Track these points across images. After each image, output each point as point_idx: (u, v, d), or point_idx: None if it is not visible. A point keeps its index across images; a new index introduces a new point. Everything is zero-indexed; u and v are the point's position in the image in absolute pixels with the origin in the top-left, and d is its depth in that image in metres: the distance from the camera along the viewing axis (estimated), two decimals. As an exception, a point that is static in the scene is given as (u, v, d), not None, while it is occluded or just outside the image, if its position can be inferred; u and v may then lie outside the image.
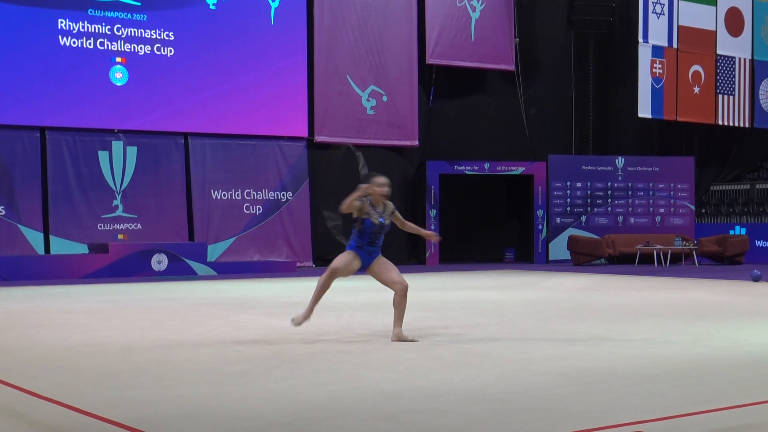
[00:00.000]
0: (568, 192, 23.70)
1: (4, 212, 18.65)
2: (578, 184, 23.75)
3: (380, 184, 8.30)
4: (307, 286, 15.07)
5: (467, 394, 5.43)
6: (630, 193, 23.99)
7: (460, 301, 12.03)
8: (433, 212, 22.88)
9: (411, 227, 8.61)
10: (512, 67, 24.23)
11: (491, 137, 24.57)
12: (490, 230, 24.83)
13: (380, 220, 8.16)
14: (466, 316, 10.10)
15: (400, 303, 8.11)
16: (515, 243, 24.64)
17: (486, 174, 23.44)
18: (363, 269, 8.16)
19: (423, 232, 8.75)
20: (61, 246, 19.00)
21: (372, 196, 8.22)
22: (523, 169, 23.49)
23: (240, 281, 16.76)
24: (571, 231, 23.35)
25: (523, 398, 5.34)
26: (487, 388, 5.64)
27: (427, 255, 22.87)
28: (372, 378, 5.99)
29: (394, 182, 23.15)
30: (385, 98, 22.84)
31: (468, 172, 23.30)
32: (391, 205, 8.38)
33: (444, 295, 13.06)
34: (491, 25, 24.04)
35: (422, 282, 16.27)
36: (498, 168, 23.38)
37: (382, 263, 8.19)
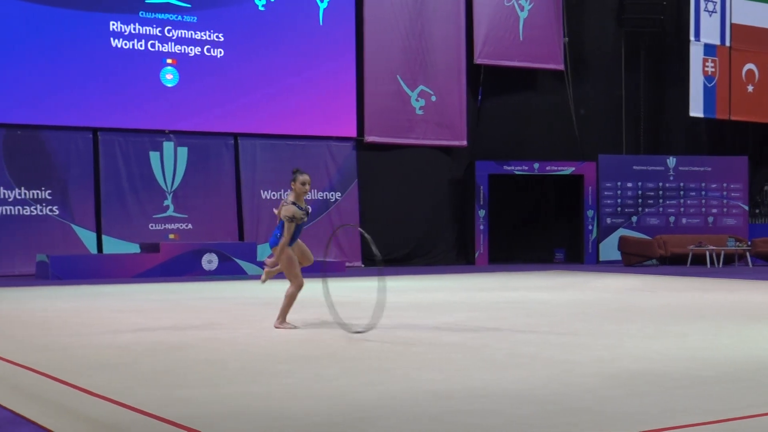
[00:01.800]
0: (619, 192, 23.50)
1: (58, 212, 18.93)
2: (629, 184, 23.54)
3: (304, 182, 9.14)
4: (357, 285, 15.11)
5: (516, 395, 5.40)
6: (682, 193, 23.73)
7: (510, 302, 11.97)
8: (481, 213, 22.81)
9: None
10: (561, 67, 24.08)
11: (540, 137, 24.43)
12: (539, 231, 24.68)
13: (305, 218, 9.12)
14: (516, 316, 10.05)
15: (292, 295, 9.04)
16: (565, 243, 24.47)
17: (535, 174, 23.32)
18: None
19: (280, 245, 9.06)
20: (113, 245, 19.25)
21: (296, 194, 9.08)
22: (573, 169, 23.32)
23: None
24: (622, 231, 23.15)
25: (573, 400, 5.30)
26: (537, 389, 5.61)
27: (476, 255, 22.80)
28: (422, 378, 5.98)
29: (443, 183, 23.34)
30: (433, 98, 22.82)
31: (517, 173, 23.19)
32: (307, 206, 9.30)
33: (493, 296, 13.01)
34: (540, 24, 23.90)
35: (471, 282, 16.22)
36: (547, 168, 23.25)
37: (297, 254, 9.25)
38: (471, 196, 23.07)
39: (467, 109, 23.36)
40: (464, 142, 23.26)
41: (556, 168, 23.29)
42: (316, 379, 5.94)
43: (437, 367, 6.47)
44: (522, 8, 23.77)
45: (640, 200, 23.58)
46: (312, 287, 14.13)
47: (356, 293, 13.43)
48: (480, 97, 23.91)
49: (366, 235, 8.36)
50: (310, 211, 9.30)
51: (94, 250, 19.08)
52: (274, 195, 21.16)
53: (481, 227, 22.84)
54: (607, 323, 9.37)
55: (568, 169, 23.33)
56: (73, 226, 19.00)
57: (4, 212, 18.51)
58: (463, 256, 23.48)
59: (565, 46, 24.14)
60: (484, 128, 23.94)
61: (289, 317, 9.09)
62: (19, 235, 18.54)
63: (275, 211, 9.28)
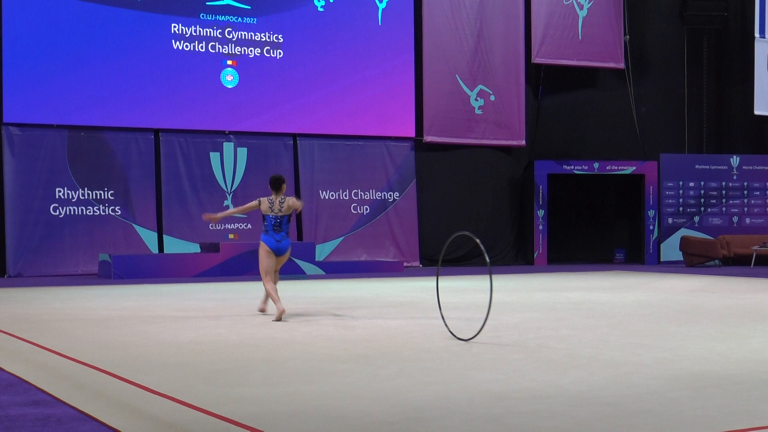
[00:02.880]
0: (681, 192, 23.19)
1: (120, 212, 19.21)
2: (691, 184, 23.22)
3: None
4: (415, 285, 15.12)
5: (576, 397, 5.36)
6: (745, 192, 23.35)
7: (569, 303, 11.88)
8: (541, 212, 22.67)
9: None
10: (621, 65, 23.84)
11: (600, 136, 24.21)
12: (599, 230, 24.46)
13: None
14: (575, 317, 9.97)
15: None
16: (625, 243, 24.21)
17: (595, 173, 23.11)
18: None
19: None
20: (174, 245, 19.49)
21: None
22: (634, 168, 23.07)
23: (347, 281, 16.89)
24: (684, 231, 22.85)
25: (634, 402, 5.25)
26: (597, 390, 5.56)
27: (535, 255, 22.67)
28: (479, 379, 5.96)
29: (502, 182, 23.25)
30: (492, 98, 22.74)
31: (577, 172, 23.00)
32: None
33: (552, 296, 12.92)
34: (599, 22, 23.69)
35: (530, 282, 16.13)
36: (608, 167, 23.02)
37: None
38: (530, 195, 22.94)
39: (526, 109, 23.25)
40: (523, 142, 23.15)
41: (616, 167, 23.06)
42: (373, 379, 5.95)
43: (494, 367, 6.44)
44: (581, 7, 23.58)
45: (702, 200, 23.25)
46: (367, 287, 14.17)
47: (413, 293, 13.43)
48: (539, 96, 23.77)
49: (477, 240, 8.52)
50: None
51: (155, 250, 19.33)
52: (332, 195, 21.25)
53: (540, 227, 22.69)
54: (668, 324, 9.25)
55: (628, 169, 23.08)
56: (135, 226, 19.27)
57: (68, 212, 18.84)
58: (522, 257, 23.36)
59: (625, 44, 23.90)
60: (544, 127, 23.80)
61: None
62: (82, 235, 18.86)
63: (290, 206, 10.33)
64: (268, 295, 10.37)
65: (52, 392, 5.48)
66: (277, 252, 10.18)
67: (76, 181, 18.91)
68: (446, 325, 8.40)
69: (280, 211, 10.23)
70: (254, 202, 10.37)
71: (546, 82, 23.76)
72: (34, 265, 18.41)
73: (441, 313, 8.69)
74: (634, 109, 24.03)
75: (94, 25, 19.15)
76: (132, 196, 19.37)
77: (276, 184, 10.31)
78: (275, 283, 10.34)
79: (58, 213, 18.78)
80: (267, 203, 10.25)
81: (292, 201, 10.32)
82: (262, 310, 10.63)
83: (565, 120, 24.04)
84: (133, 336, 8.38)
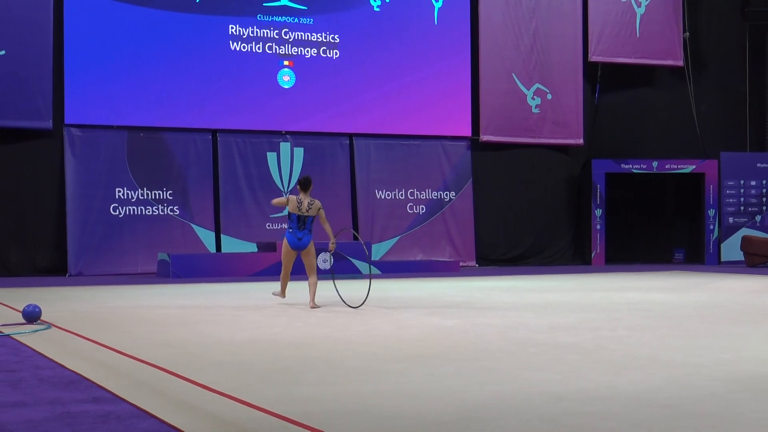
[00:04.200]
0: (742, 191, 22.84)
1: (178, 212, 19.43)
2: (752, 182, 22.86)
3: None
4: (471, 285, 15.08)
5: (634, 398, 5.31)
6: (809, 191, 22.93)
7: (627, 303, 11.76)
8: (598, 212, 22.47)
9: (327, 228, 11.44)
10: (681, 63, 23.55)
11: (659, 135, 23.93)
12: (658, 230, 24.18)
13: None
14: (633, 317, 9.87)
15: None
16: (685, 243, 23.91)
17: (654, 172, 22.85)
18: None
19: (331, 239, 11.41)
20: (231, 244, 19.66)
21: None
22: (694, 167, 22.77)
23: (403, 280, 16.90)
24: (745, 231, 22.49)
25: (693, 403, 5.18)
26: (655, 392, 5.50)
27: (593, 255, 22.48)
28: (535, 379, 5.93)
29: (558, 181, 23.08)
30: (549, 96, 22.61)
31: (635, 171, 22.77)
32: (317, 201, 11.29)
33: (610, 297, 12.80)
34: (658, 20, 23.43)
35: (587, 283, 16.00)
36: (667, 166, 22.75)
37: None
38: (588, 195, 22.75)
39: (584, 107, 23.07)
40: (581, 141, 22.97)
41: (675, 166, 22.78)
42: (429, 379, 5.95)
43: (551, 368, 6.40)
44: (639, 4, 23.35)
45: (764, 199, 22.87)
46: (423, 287, 14.19)
47: (469, 293, 13.39)
48: (597, 94, 23.57)
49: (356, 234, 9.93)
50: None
51: (213, 249, 19.52)
52: (388, 195, 21.27)
53: (598, 227, 22.50)
54: (729, 325, 9.12)
55: (688, 167, 22.78)
56: (193, 225, 19.47)
57: (127, 212, 19.09)
58: (579, 256, 23.18)
59: (685, 42, 23.60)
60: (601, 126, 23.59)
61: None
62: (141, 234, 19.11)
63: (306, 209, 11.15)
64: (312, 292, 11.20)
65: (112, 389, 5.56)
66: (297, 248, 11.18)
67: (135, 181, 19.15)
68: (339, 295, 10.03)
69: (307, 211, 11.10)
70: (283, 199, 11.43)
71: (604, 81, 23.55)
72: (95, 264, 18.69)
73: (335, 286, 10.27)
74: (693, 107, 23.71)
75: (153, 28, 19.40)
76: (190, 196, 19.57)
77: (305, 185, 11.19)
78: (312, 284, 11.23)
79: (117, 213, 19.04)
80: (296, 202, 11.09)
81: (318, 205, 11.20)
82: (313, 307, 11.10)
83: (623, 118, 23.80)
84: (191, 334, 8.47)
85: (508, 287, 14.46)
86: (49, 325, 9.02)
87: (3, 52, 18.21)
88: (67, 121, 18.82)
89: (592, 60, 23.03)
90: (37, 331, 8.63)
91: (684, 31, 23.60)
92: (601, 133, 23.52)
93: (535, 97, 22.51)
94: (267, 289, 14.56)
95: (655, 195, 24.31)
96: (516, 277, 17.56)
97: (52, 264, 18.81)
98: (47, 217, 18.89)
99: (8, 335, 8.34)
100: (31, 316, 9.24)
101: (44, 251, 18.84)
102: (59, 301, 12.15)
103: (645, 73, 23.90)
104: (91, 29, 18.95)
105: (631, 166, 22.69)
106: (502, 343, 7.72)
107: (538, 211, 22.80)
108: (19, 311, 9.81)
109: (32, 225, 18.76)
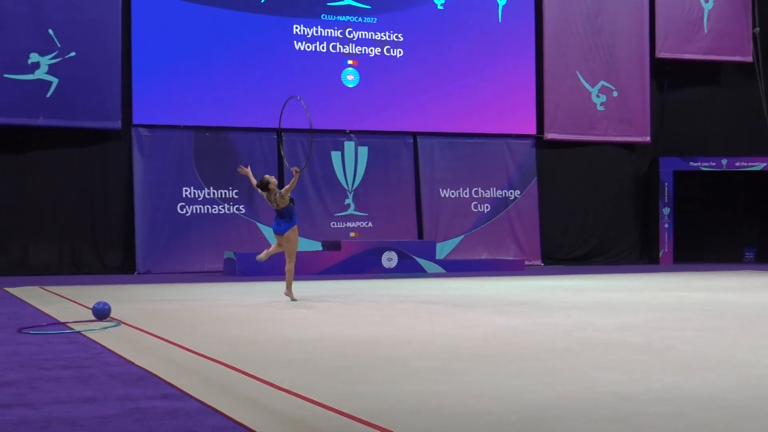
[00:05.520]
0: (815, 188, 22.38)
1: (243, 210, 19.62)
2: (825, 180, 22.39)
3: (271, 182, 12.21)
4: (536, 284, 14.98)
5: (704, 399, 5.23)
6: None
7: (696, 303, 11.59)
8: (666, 210, 22.18)
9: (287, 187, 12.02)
10: (750, 59, 23.15)
11: (729, 132, 23.54)
12: (728, 229, 23.78)
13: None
14: (703, 318, 9.72)
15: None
16: (756, 242, 23.49)
17: (723, 170, 22.48)
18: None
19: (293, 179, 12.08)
20: (296, 243, 19.75)
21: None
22: (764, 164, 22.36)
23: (468, 279, 16.85)
24: (818, 229, 22.04)
25: (766, 405, 5.09)
26: (726, 393, 5.41)
27: (660, 254, 22.20)
28: (602, 379, 5.87)
29: (625, 179, 22.82)
30: (615, 93, 22.37)
31: (704, 169, 22.43)
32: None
33: (679, 296, 12.63)
34: (726, 15, 23.06)
35: (655, 282, 15.80)
36: (737, 164, 22.37)
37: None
38: (655, 193, 22.47)
39: (651, 104, 22.79)
40: (647, 138, 22.70)
41: (745, 164, 22.38)
42: (494, 378, 5.93)
43: (618, 368, 6.33)
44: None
45: (838, 197, 22.39)
46: (487, 285, 14.15)
47: (534, 292, 13.30)
48: (664, 91, 23.26)
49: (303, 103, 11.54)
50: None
51: (278, 248, 19.64)
52: (452, 193, 21.24)
53: (666, 225, 22.22)
54: (801, 326, 8.94)
55: (759, 165, 22.38)
56: (258, 224, 19.64)
57: (194, 211, 19.33)
58: (647, 256, 22.90)
59: (754, 37, 23.18)
60: (669, 123, 23.28)
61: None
62: (207, 233, 19.33)
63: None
64: (287, 280, 12.10)
65: (180, 386, 5.63)
66: (278, 233, 12.16)
67: (201, 180, 19.38)
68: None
69: (277, 204, 12.02)
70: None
71: (671, 77, 23.24)
72: (162, 263, 18.95)
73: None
74: (764, 103, 23.28)
75: (219, 29, 19.61)
76: (256, 195, 19.71)
77: (262, 187, 12.17)
78: (287, 270, 12.12)
79: (184, 212, 19.29)
80: (267, 201, 12.25)
81: (281, 192, 11.96)
82: (288, 295, 12.06)
83: (691, 115, 23.46)
84: (258, 332, 8.54)
85: (573, 286, 14.34)
86: (119, 323, 9.17)
87: (73, 54, 18.56)
88: (135, 121, 19.12)
89: (659, 57, 22.74)
90: (106, 328, 8.77)
91: (754, 26, 23.18)
92: (668, 131, 23.22)
93: (600, 94, 22.30)
94: (332, 288, 14.64)
95: (724, 193, 23.91)
96: (582, 277, 17.41)
97: (120, 262, 19.14)
98: (116, 217, 19.21)
99: (79, 332, 8.49)
100: (101, 313, 9.40)
101: (113, 250, 19.16)
102: (128, 299, 12.35)
103: (713, 69, 23.53)
104: (158, 30, 19.23)
105: (699, 163, 22.36)
106: (568, 343, 7.66)
107: (604, 209, 22.58)
108: (89, 308, 9.99)
109: (101, 224, 19.09)
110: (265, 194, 12.22)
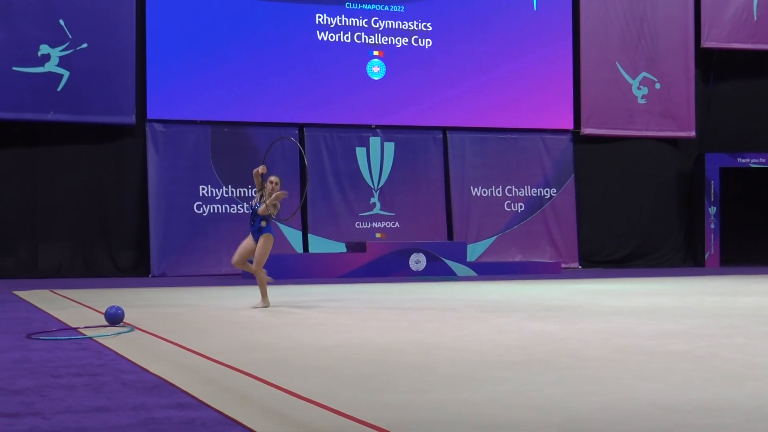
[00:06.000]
0: None
1: (264, 210, 19.64)
2: None
3: (271, 181, 11.95)
4: (574, 288, 14.93)
5: (753, 411, 5.19)
6: None
7: (744, 309, 11.51)
8: (712, 210, 22.05)
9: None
10: (805, 47, 22.98)
11: (779, 126, 23.39)
12: (778, 229, 23.64)
13: (256, 206, 11.81)
14: (752, 324, 9.66)
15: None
16: (809, 244, 23.34)
17: (774, 167, 22.36)
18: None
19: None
20: (319, 244, 19.82)
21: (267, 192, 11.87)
22: (818, 160, 22.22)
23: (501, 282, 16.82)
24: None
25: (818, 418, 5.04)
26: (776, 404, 5.37)
27: (706, 257, 22.07)
28: (644, 389, 5.84)
29: (669, 176, 22.71)
30: (657, 86, 22.26)
31: (753, 165, 22.29)
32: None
33: (726, 301, 12.55)
34: (779, 0, 22.91)
35: (700, 286, 15.71)
36: (789, 160, 22.25)
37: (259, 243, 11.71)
38: (700, 191, 22.34)
39: (696, 97, 22.65)
40: (692, 133, 22.56)
41: (798, 160, 22.26)
42: (529, 388, 5.91)
43: (661, 377, 6.30)
44: (757, -15, 22.89)
45: None
46: (522, 289, 14.12)
47: (572, 296, 13.26)
48: (711, 83, 23.12)
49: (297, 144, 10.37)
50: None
51: (299, 249, 19.70)
52: (484, 192, 21.21)
53: (712, 226, 22.09)
54: None
55: (812, 161, 22.24)
56: (279, 225, 19.68)
57: (211, 210, 19.41)
58: (691, 258, 22.78)
59: (808, 24, 23.02)
60: (715, 117, 23.14)
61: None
62: (226, 233, 19.38)
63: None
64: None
65: (197, 395, 5.65)
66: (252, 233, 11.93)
67: (220, 178, 19.46)
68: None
69: (263, 206, 11.86)
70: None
71: (719, 68, 23.10)
72: (178, 265, 19.04)
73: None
74: (818, 96, 23.12)
75: (238, 18, 19.68)
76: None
77: (262, 177, 12.04)
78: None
79: (201, 211, 19.37)
80: (255, 189, 12.19)
81: (268, 202, 11.75)
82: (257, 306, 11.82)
83: (739, 109, 23.30)
84: (278, 338, 8.56)
85: (613, 290, 14.28)
86: (133, 328, 9.21)
87: (85, 45, 18.68)
88: (149, 116, 19.22)
89: (704, 46, 22.60)
90: (120, 333, 8.82)
91: (808, 13, 23.02)
92: (714, 125, 23.08)
93: (641, 86, 22.20)
94: (356, 291, 14.66)
95: (775, 191, 23.77)
96: (622, 280, 17.33)
97: (134, 264, 19.25)
98: (130, 216, 19.32)
99: (91, 338, 8.55)
100: (114, 318, 9.45)
101: (126, 251, 19.28)
102: (142, 303, 12.41)
103: (763, 59, 23.35)
104: (174, 19, 19.33)
105: (748, 160, 22.22)
106: (608, 351, 7.63)
107: (646, 209, 22.47)
108: (101, 313, 10.05)
109: (114, 224, 19.21)
110: (259, 184, 11.93)
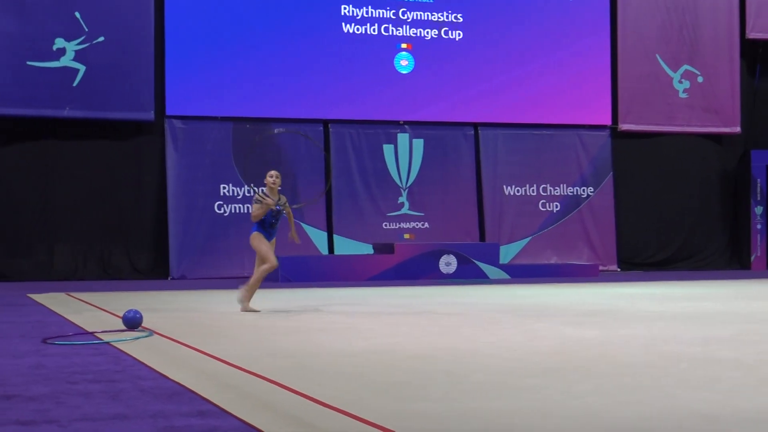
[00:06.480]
0: None
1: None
2: None
3: (270, 175, 11.97)
4: (612, 292, 14.86)
5: (803, 422, 5.14)
6: None
7: (793, 313, 11.42)
8: (758, 209, 21.91)
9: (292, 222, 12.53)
10: None
11: (829, 121, 23.22)
12: (828, 230, 23.45)
13: (277, 207, 11.89)
14: (801, 330, 9.57)
15: (262, 273, 11.76)
16: None
17: (824, 164, 22.19)
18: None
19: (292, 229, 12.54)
20: (344, 246, 19.83)
21: (268, 188, 11.92)
22: None
23: (536, 286, 16.78)
24: None
25: None
26: (828, 415, 5.31)
27: (752, 259, 21.93)
28: (687, 398, 5.80)
29: (711, 174, 22.57)
30: (700, 79, 22.13)
31: (801, 163, 22.15)
32: (283, 197, 12.12)
33: (772, 306, 12.46)
34: (829, -12, 22.74)
35: (747, 290, 15.60)
36: (840, 157, 22.08)
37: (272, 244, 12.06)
38: (746, 190, 22.21)
39: (741, 91, 22.50)
40: (737, 129, 22.42)
41: None
42: (565, 396, 5.88)
43: (706, 386, 6.25)
44: (806, -29, 22.72)
45: None
46: (558, 293, 14.06)
47: (610, 300, 13.20)
48: (756, 76, 22.96)
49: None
50: (283, 202, 12.08)
51: (324, 251, 19.72)
52: (518, 191, 21.16)
53: (758, 226, 21.96)
54: None
55: None
56: (303, 225, 19.70)
57: (233, 210, 19.46)
58: (737, 260, 22.64)
59: None
60: (761, 112, 22.99)
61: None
62: (247, 234, 19.26)
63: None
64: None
65: (218, 402, 5.65)
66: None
67: (241, 176, 19.50)
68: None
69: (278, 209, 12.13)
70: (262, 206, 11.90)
71: (764, 60, 22.94)
72: (198, 267, 19.10)
73: None
74: None
75: (260, 10, 19.73)
76: (300, 194, 19.81)
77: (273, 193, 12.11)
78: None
79: (222, 211, 19.43)
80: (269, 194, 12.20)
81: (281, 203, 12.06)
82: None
83: (787, 103, 23.17)
84: (303, 344, 8.56)
85: (654, 294, 14.21)
86: (151, 332, 9.24)
87: (102, 39, 18.78)
88: (168, 112, 19.29)
89: (749, 37, 22.45)
90: (138, 338, 8.85)
91: None
92: (761, 121, 22.94)
93: (683, 80, 22.09)
94: (384, 294, 14.66)
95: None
96: (664, 283, 17.24)
97: (153, 266, 19.33)
98: (148, 216, 19.41)
99: (108, 343, 8.58)
100: (132, 322, 9.48)
101: (145, 253, 19.37)
102: (161, 307, 12.46)
103: (813, 50, 23.22)
104: (193, 12, 19.40)
105: (796, 157, 22.10)
106: (649, 357, 7.58)
107: (688, 208, 22.36)
108: (119, 317, 10.09)
109: (132, 224, 19.30)
110: (270, 193, 12.00)
